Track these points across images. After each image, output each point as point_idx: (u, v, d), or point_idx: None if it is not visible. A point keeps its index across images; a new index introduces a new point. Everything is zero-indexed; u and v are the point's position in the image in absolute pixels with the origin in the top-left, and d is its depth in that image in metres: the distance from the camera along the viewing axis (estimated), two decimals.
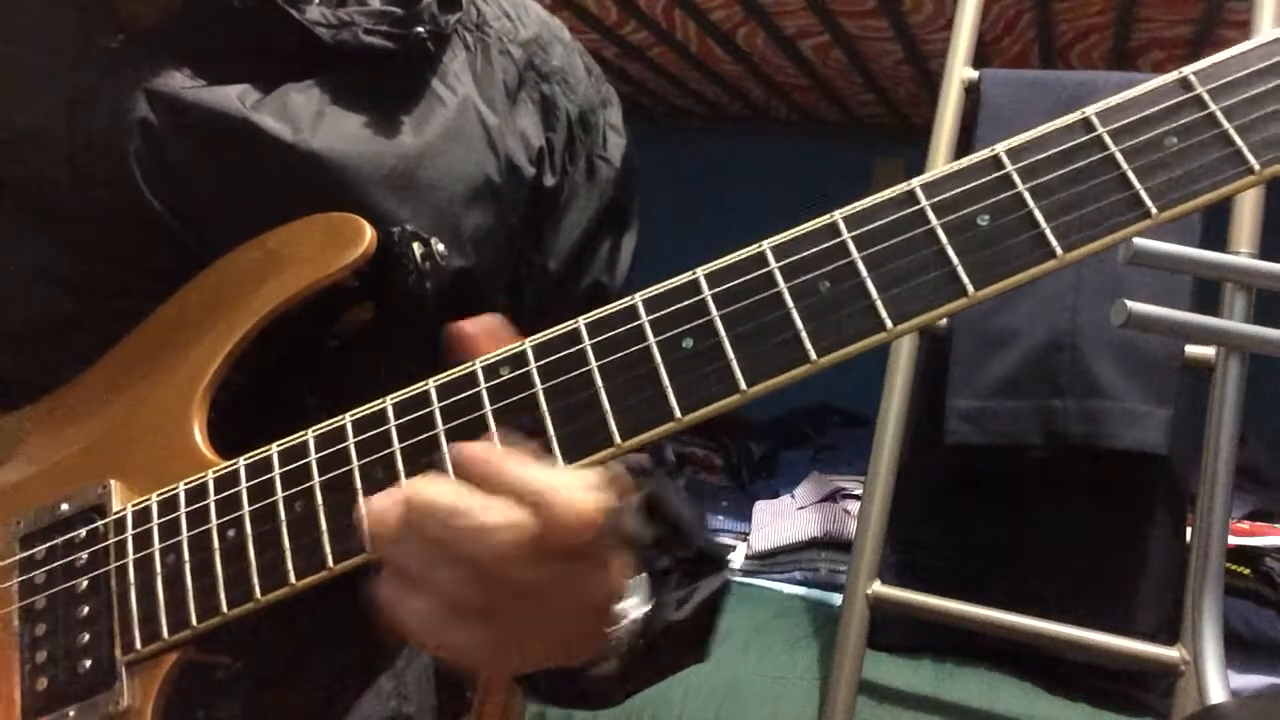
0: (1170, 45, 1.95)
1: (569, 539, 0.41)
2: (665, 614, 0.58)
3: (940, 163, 1.41)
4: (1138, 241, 0.87)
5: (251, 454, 0.50)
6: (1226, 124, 0.41)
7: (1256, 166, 0.40)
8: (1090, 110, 0.43)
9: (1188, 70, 0.42)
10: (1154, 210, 0.41)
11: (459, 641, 0.44)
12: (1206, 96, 0.41)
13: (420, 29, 0.62)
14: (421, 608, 0.43)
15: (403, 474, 0.46)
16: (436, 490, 0.43)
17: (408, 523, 0.43)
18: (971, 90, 1.46)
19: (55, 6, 0.59)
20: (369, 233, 0.55)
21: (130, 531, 0.51)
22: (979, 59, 1.49)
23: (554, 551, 0.42)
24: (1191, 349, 1.32)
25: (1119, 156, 0.42)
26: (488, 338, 0.49)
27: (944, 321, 1.42)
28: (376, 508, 0.43)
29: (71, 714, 0.50)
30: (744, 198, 2.74)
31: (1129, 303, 0.86)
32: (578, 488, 0.42)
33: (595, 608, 0.48)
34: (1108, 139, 0.42)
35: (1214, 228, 1.31)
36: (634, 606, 0.54)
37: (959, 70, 1.46)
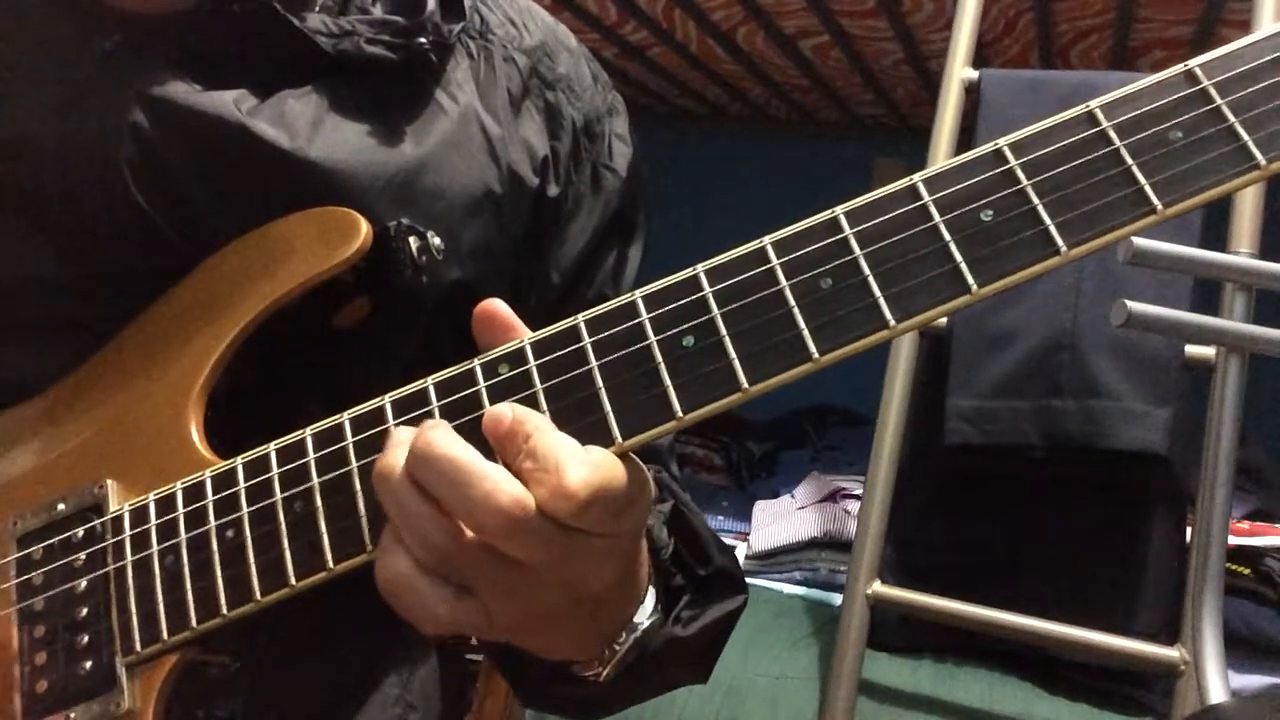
0: (1170, 45, 1.95)
1: (559, 515, 0.41)
2: (670, 629, 0.57)
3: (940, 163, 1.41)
4: (1138, 241, 0.87)
5: (249, 453, 0.50)
6: (1232, 118, 0.40)
7: (1263, 161, 0.39)
8: (1094, 104, 0.42)
9: (1194, 63, 0.41)
10: (1159, 206, 0.40)
11: (434, 605, 0.43)
12: (1212, 90, 0.41)
13: (423, 39, 0.61)
14: (403, 565, 0.43)
15: None
16: (445, 448, 0.42)
17: (410, 473, 0.42)
18: (971, 90, 1.46)
19: (54, 5, 0.58)
20: (365, 227, 0.55)
21: (128, 532, 0.51)
22: (979, 59, 1.49)
23: (546, 528, 0.41)
24: (1191, 349, 1.32)
25: (1124, 151, 0.41)
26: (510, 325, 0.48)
27: (944, 321, 1.42)
28: (385, 461, 0.43)
29: (72, 716, 0.50)
30: (744, 198, 2.74)
31: (1129, 303, 0.86)
32: (586, 465, 0.41)
33: (585, 598, 0.46)
34: (1112, 133, 0.42)
35: (1214, 228, 1.31)
36: (643, 616, 0.53)
37: (959, 70, 1.46)
